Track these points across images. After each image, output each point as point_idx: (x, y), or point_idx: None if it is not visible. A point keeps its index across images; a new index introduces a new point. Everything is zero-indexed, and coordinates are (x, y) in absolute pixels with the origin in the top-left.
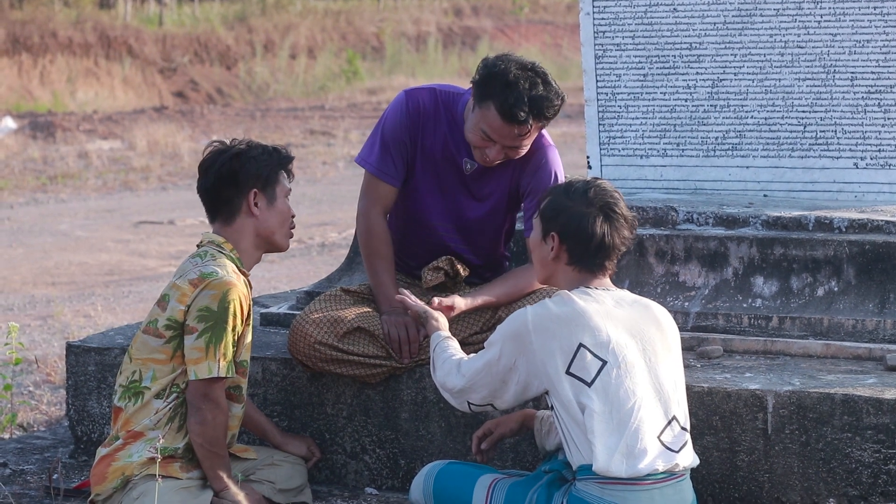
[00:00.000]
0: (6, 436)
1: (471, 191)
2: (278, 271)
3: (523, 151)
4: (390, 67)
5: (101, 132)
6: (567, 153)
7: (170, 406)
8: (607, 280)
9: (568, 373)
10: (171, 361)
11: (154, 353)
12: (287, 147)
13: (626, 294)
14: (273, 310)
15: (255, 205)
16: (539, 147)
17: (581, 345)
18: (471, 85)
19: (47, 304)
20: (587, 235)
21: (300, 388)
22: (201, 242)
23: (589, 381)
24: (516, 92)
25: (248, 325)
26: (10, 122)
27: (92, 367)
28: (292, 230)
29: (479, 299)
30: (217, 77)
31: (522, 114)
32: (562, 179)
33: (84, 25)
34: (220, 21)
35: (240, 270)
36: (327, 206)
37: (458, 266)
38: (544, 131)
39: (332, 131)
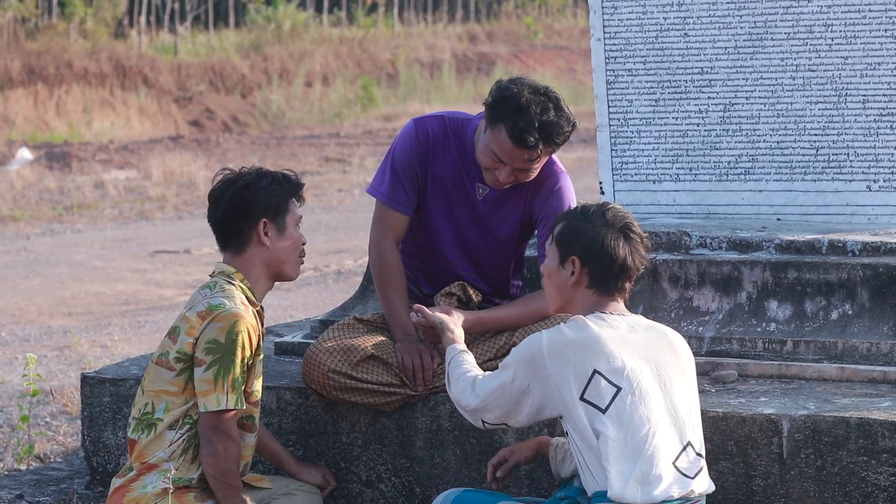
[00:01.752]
0: (23, 467)
1: (483, 217)
2: (294, 299)
3: (533, 175)
4: (405, 94)
5: (116, 162)
6: (583, 178)
7: (183, 437)
8: (622, 305)
9: (582, 399)
10: (183, 393)
11: (166, 385)
12: (297, 174)
13: (640, 319)
14: (287, 339)
15: (266, 235)
16: (551, 173)
17: (595, 371)
18: (483, 107)
19: (64, 334)
20: (610, 257)
21: (315, 416)
22: (213, 272)
23: (603, 408)
24: (527, 116)
25: (259, 355)
26: (26, 153)
27: (107, 397)
28: (303, 258)
29: (488, 320)
30: (232, 105)
31: (532, 139)
32: (574, 204)
33: (99, 55)
34: (234, 49)
35: (249, 301)
36: (343, 233)
37: (471, 291)
38: (555, 157)
39: (348, 158)
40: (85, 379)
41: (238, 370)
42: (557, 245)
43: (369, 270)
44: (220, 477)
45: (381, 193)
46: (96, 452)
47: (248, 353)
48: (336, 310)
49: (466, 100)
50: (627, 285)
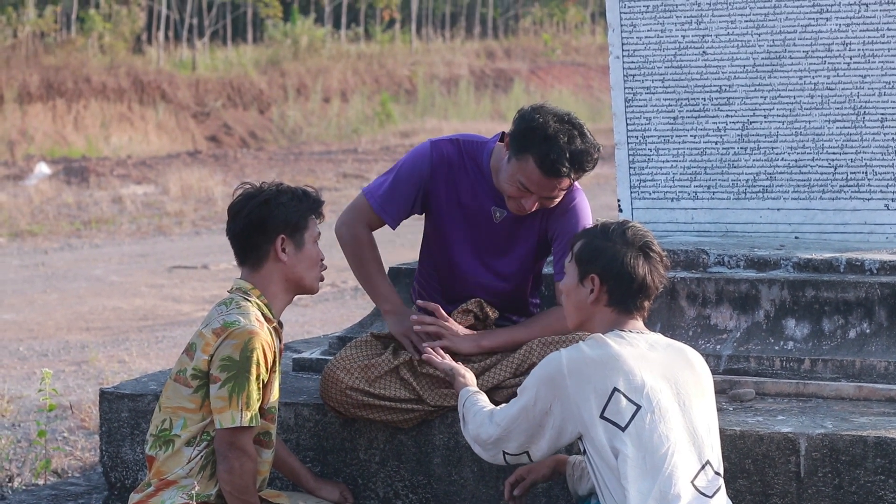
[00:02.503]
0: (41, 482)
1: (500, 239)
2: (312, 315)
3: (558, 200)
4: (423, 110)
5: (134, 177)
6: (600, 195)
7: (202, 454)
8: (641, 323)
9: (602, 417)
10: (200, 410)
11: (184, 401)
12: (317, 190)
13: (659, 337)
14: (305, 355)
15: (283, 251)
16: (568, 191)
17: (615, 389)
18: (505, 135)
19: (81, 349)
20: (630, 276)
21: (332, 433)
22: (231, 288)
23: (623, 426)
24: (557, 146)
25: (275, 371)
26: (44, 168)
27: (125, 413)
28: (323, 273)
29: (501, 343)
30: (250, 121)
31: (565, 168)
32: (589, 221)
33: (117, 71)
34: (252, 65)
35: (265, 317)
36: None
37: (487, 309)
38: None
39: (366, 174)
40: (103, 394)
41: (253, 387)
42: (577, 263)
43: None
44: (237, 493)
45: (375, 198)
46: (114, 468)
47: (263, 370)
48: (354, 326)
49: (484, 116)
50: (646, 304)
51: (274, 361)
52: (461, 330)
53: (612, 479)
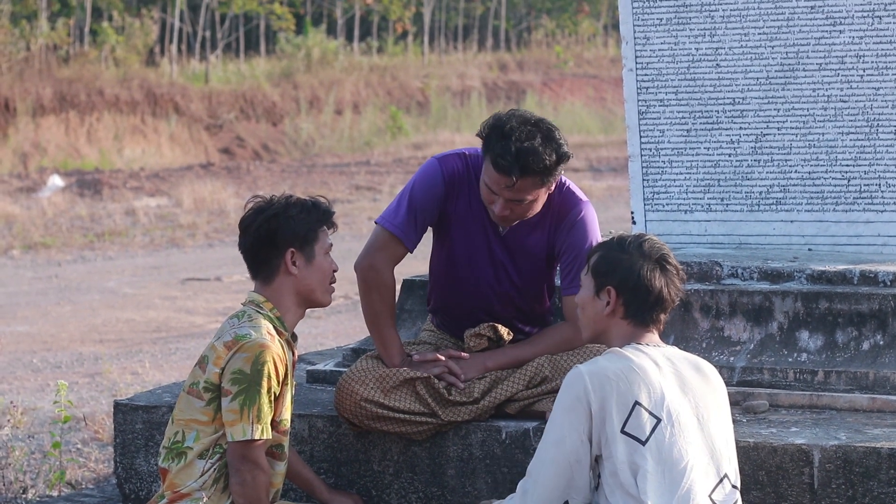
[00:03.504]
0: (55, 493)
1: (508, 252)
2: (325, 327)
3: (531, 209)
4: (435, 122)
5: (147, 189)
6: (613, 207)
7: (214, 467)
8: (657, 336)
9: (623, 431)
10: (213, 423)
11: (197, 414)
12: (329, 201)
13: (675, 350)
14: (319, 367)
15: (294, 264)
16: (574, 204)
17: (637, 402)
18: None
19: (95, 361)
20: (646, 288)
21: (346, 444)
22: (245, 301)
23: (644, 440)
24: (507, 144)
25: (287, 384)
26: (57, 180)
27: (139, 425)
28: (333, 285)
29: (507, 362)
30: (263, 133)
31: (506, 163)
32: (597, 234)
33: (130, 83)
34: (265, 77)
35: (277, 330)
36: None
37: (502, 331)
38: (575, 188)
39: (378, 186)
40: (118, 406)
41: (264, 400)
42: (593, 275)
43: (401, 298)
44: None
45: (395, 226)
46: (129, 479)
47: (274, 383)
48: (367, 338)
49: None
50: (663, 317)
51: (286, 374)
52: (463, 355)
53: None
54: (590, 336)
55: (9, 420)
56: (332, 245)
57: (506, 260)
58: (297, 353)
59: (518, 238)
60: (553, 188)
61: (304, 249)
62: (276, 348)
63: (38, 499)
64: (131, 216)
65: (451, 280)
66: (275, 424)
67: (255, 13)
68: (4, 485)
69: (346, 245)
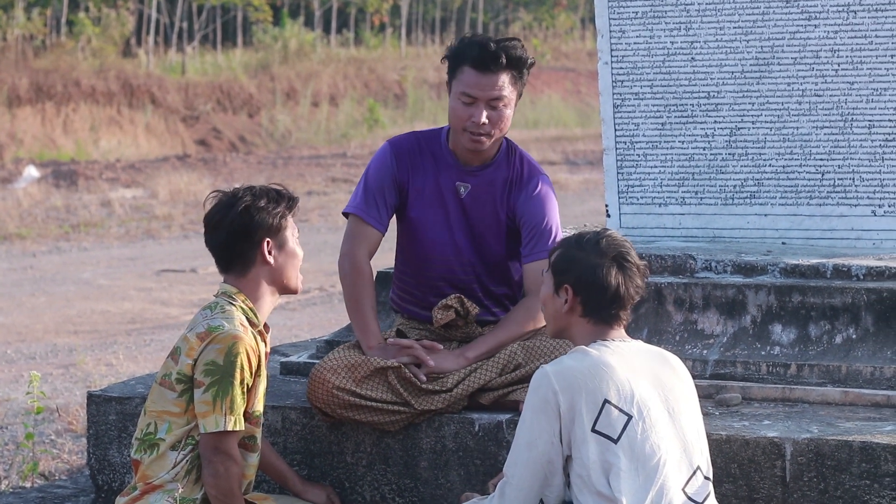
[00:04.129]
0: (28, 485)
1: (469, 215)
2: (300, 319)
3: (503, 119)
4: (412, 115)
5: (123, 180)
6: (588, 199)
7: (187, 458)
8: (622, 331)
9: (594, 430)
10: (185, 414)
11: (169, 405)
12: (287, 188)
13: (641, 344)
14: (293, 359)
15: (269, 253)
16: (534, 173)
17: (606, 401)
18: (445, 63)
19: (69, 352)
20: (601, 286)
21: (320, 436)
22: (217, 293)
23: (615, 438)
24: (486, 41)
25: (260, 375)
26: (33, 171)
27: (113, 416)
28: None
29: (485, 347)
30: (239, 125)
31: (489, 54)
32: (555, 208)
33: (107, 74)
34: (242, 69)
35: (250, 322)
36: None
37: (468, 304)
38: (533, 160)
39: (354, 179)
40: (91, 397)
41: (237, 392)
42: (553, 272)
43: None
44: (222, 498)
45: (356, 207)
46: (101, 470)
47: (247, 374)
48: (341, 330)
49: None
50: (622, 314)
51: (259, 366)
52: (439, 346)
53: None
54: (553, 332)
55: None
56: (298, 230)
57: (469, 222)
58: (269, 345)
59: (479, 199)
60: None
61: (277, 237)
62: (249, 340)
63: (10, 490)
64: (107, 207)
65: (414, 254)
66: (247, 416)
67: (233, 4)
68: None
69: (321, 237)
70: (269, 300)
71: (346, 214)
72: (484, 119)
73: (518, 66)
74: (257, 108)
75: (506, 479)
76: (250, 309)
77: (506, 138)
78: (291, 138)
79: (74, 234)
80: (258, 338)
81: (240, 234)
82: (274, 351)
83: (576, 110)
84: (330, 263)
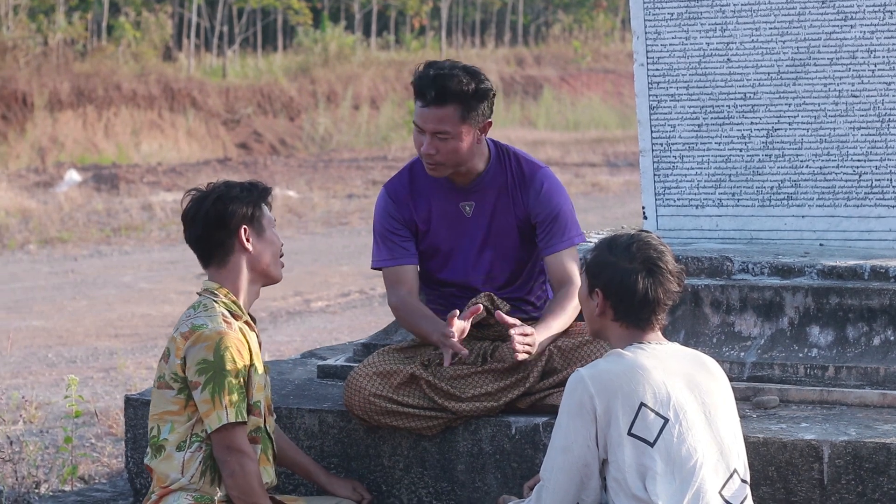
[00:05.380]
0: (67, 488)
1: (479, 232)
2: (340, 322)
3: (457, 150)
4: None
5: (164, 184)
6: (629, 201)
7: (198, 459)
8: (658, 334)
9: (630, 434)
10: (185, 410)
11: (168, 405)
12: (264, 182)
13: (677, 347)
14: (330, 362)
15: (247, 240)
16: (535, 169)
17: (642, 404)
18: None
19: (110, 356)
20: (629, 292)
21: (357, 440)
22: (200, 290)
23: (652, 441)
24: (427, 71)
25: (254, 365)
26: (74, 175)
27: None
28: (282, 259)
29: (546, 339)
30: (280, 128)
31: (423, 84)
32: (565, 194)
33: (148, 78)
34: (282, 72)
35: (233, 315)
36: None
37: (497, 301)
38: (529, 156)
39: None
40: (129, 401)
41: (233, 385)
42: (586, 275)
43: None
44: (244, 497)
45: (382, 260)
46: (139, 474)
47: (239, 366)
48: (378, 333)
49: (513, 123)
50: (654, 318)
51: (251, 356)
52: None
53: None
54: (591, 332)
55: (21, 415)
56: (275, 220)
57: (482, 239)
58: (259, 334)
59: (485, 214)
60: (488, 146)
61: (253, 225)
62: (234, 334)
63: (50, 493)
64: (148, 211)
65: (434, 280)
66: (249, 408)
67: (273, 7)
68: (17, 479)
69: (361, 240)
70: (251, 290)
71: (375, 269)
72: (431, 150)
73: (462, 100)
74: (298, 112)
75: (542, 482)
76: (233, 302)
77: (493, 142)
78: (332, 141)
79: (115, 237)
80: (246, 329)
81: (215, 223)
82: (311, 354)
83: (616, 112)
84: (368, 266)
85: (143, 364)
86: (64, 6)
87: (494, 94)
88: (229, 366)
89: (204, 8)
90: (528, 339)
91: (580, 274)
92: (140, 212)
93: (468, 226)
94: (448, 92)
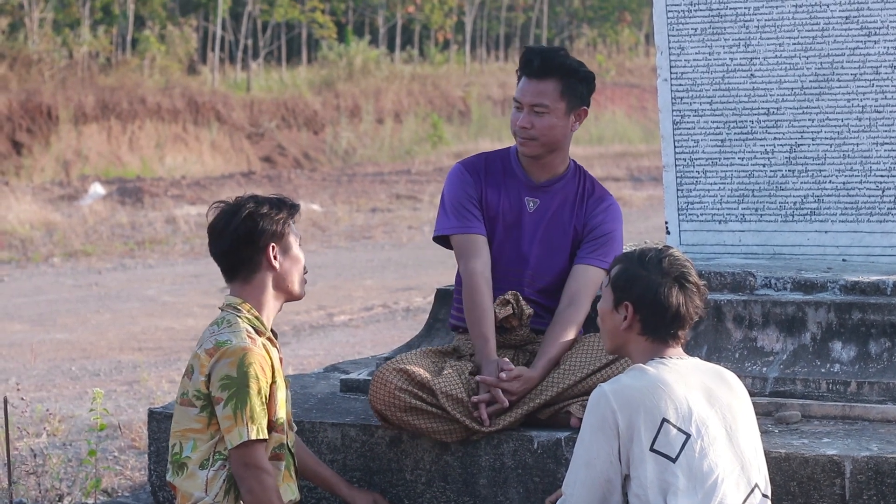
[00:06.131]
0: (90, 501)
1: (539, 229)
2: (363, 336)
3: (550, 127)
4: (476, 131)
5: (188, 197)
6: (652, 216)
7: (222, 477)
8: (680, 349)
9: (652, 450)
10: (208, 429)
11: (191, 422)
12: (290, 198)
13: (698, 362)
14: (353, 376)
15: (275, 258)
16: (605, 192)
17: (664, 419)
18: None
19: (133, 369)
20: (663, 306)
21: (379, 454)
22: (222, 305)
23: (674, 457)
24: (535, 49)
25: (276, 382)
26: (98, 188)
27: None
28: (305, 275)
29: (542, 364)
30: (304, 142)
31: (530, 55)
32: (622, 227)
33: (172, 91)
34: (306, 86)
35: (257, 331)
36: (413, 270)
37: (523, 303)
38: (602, 185)
39: (418, 195)
40: (152, 414)
41: (255, 401)
42: (613, 289)
43: (435, 307)
44: None
45: (451, 227)
46: (162, 487)
47: (262, 383)
48: (401, 347)
49: None
50: (681, 333)
51: (273, 373)
52: (511, 384)
53: None
54: (610, 348)
55: (45, 428)
56: (301, 236)
57: (533, 241)
58: (281, 350)
59: (546, 213)
60: (574, 117)
61: (281, 242)
62: (258, 350)
63: None
64: (172, 224)
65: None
66: (271, 425)
67: (297, 21)
68: (41, 492)
69: (385, 254)
70: (273, 306)
71: (438, 240)
72: (527, 123)
73: (565, 75)
74: (322, 125)
75: (564, 497)
76: (256, 318)
77: (575, 162)
78: (355, 155)
79: (139, 250)
80: (268, 345)
81: (245, 239)
82: (334, 368)
83: (640, 126)
84: (393, 280)
85: (167, 377)
86: (89, 20)
87: (594, 78)
88: (252, 382)
89: (228, 21)
90: (513, 385)
91: (605, 288)
92: (164, 225)
93: (527, 220)
94: (553, 64)
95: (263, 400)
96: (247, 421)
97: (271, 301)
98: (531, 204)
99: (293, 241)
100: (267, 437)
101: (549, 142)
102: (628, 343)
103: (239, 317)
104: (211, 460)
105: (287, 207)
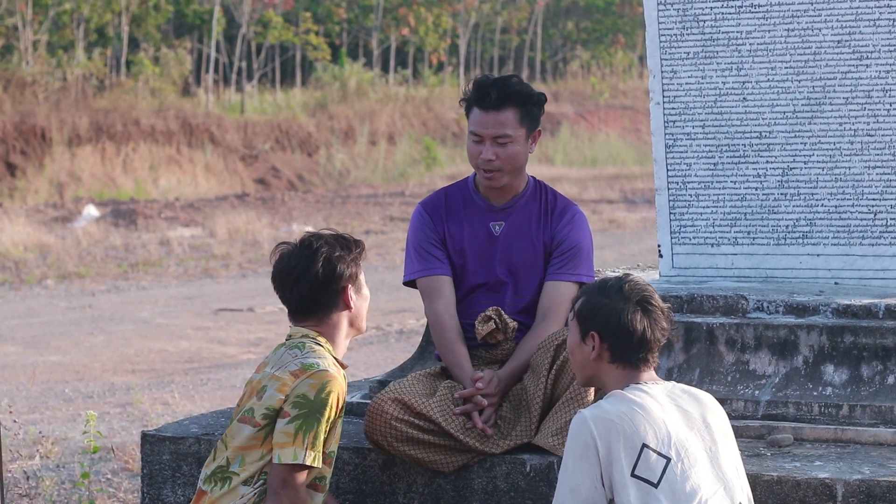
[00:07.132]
0: None
1: (507, 253)
2: (356, 358)
3: (514, 155)
4: None
5: (182, 219)
6: (646, 238)
7: (256, 492)
8: (653, 373)
9: (633, 475)
10: (261, 447)
11: (247, 440)
12: (351, 233)
13: (674, 385)
14: (346, 399)
15: (351, 298)
16: (568, 203)
17: (644, 445)
18: (460, 105)
19: (127, 391)
20: (628, 331)
21: (372, 476)
22: (293, 335)
23: (655, 482)
24: (486, 79)
25: (340, 417)
26: (92, 210)
27: (167, 455)
28: None
29: (511, 364)
30: (298, 164)
31: (486, 89)
32: (590, 235)
33: (166, 114)
34: (300, 108)
35: (338, 363)
36: (406, 292)
37: (506, 317)
38: (564, 196)
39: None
40: (145, 437)
41: (322, 429)
42: (578, 321)
43: (428, 330)
44: None
45: (415, 272)
46: None
47: (334, 413)
48: (395, 370)
49: (531, 159)
50: (650, 357)
51: (342, 407)
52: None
53: None
54: (583, 381)
55: (38, 450)
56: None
57: (506, 259)
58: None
59: (513, 234)
60: (530, 139)
61: (355, 283)
62: (341, 381)
63: None
64: (165, 246)
65: (462, 296)
66: (324, 456)
67: (291, 43)
68: None
69: (378, 276)
70: (344, 343)
71: (408, 285)
72: (491, 156)
73: (522, 103)
74: (315, 147)
75: None
76: (329, 351)
77: (534, 178)
78: (349, 177)
79: (133, 272)
80: (344, 378)
81: (323, 284)
82: None
83: (634, 148)
84: (386, 302)
85: (160, 399)
86: (83, 42)
87: (545, 99)
88: (326, 410)
89: (223, 44)
90: (488, 388)
91: (571, 322)
92: (158, 247)
93: (495, 244)
94: (509, 93)
95: (326, 430)
96: (307, 444)
97: (343, 338)
98: (496, 227)
99: (363, 281)
100: (319, 466)
101: (513, 169)
102: (600, 373)
103: (320, 346)
104: (256, 478)
105: (356, 247)
